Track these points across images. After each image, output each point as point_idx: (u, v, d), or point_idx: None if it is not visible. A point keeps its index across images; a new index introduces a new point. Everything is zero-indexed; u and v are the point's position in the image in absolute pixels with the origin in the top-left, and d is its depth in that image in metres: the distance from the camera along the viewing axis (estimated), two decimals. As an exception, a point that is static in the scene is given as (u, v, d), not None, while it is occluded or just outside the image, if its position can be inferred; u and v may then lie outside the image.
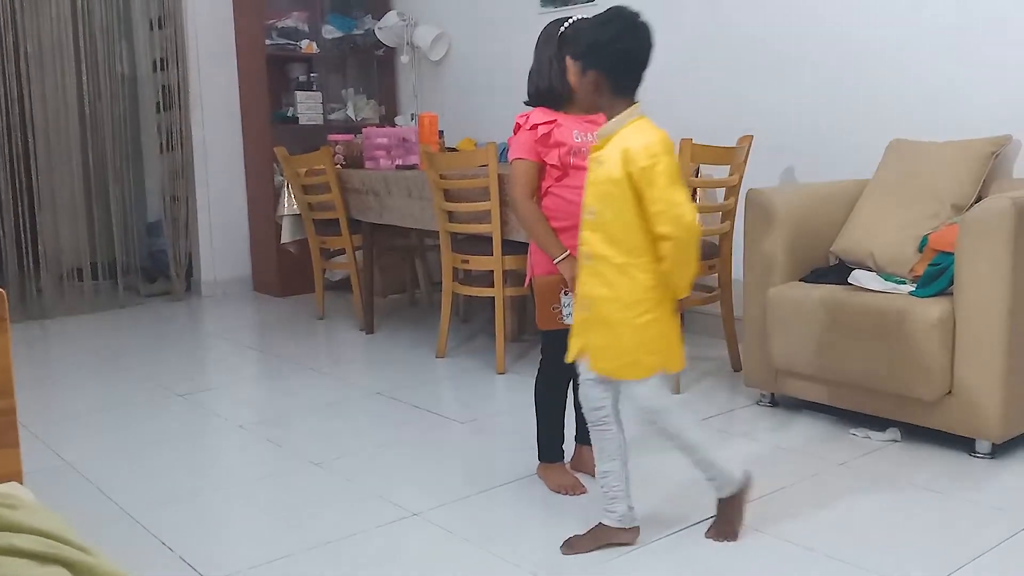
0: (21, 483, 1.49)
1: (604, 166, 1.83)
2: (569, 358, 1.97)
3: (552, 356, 2.28)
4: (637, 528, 1.99)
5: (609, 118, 1.87)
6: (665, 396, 1.93)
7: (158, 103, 5.13)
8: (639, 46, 1.84)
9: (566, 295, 2.12)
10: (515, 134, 2.26)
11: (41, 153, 4.76)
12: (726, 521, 2.00)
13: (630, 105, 1.86)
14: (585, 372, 1.95)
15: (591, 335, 1.91)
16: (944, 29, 3.06)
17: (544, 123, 2.17)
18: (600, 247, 1.85)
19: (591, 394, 1.96)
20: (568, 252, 2.10)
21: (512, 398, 3.13)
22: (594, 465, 2.38)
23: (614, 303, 1.85)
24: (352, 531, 2.10)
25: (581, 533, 1.99)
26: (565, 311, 2.14)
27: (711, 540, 1.99)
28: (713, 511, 2.03)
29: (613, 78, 1.84)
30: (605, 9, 1.88)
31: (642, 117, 1.85)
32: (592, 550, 1.96)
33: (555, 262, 2.12)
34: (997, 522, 2.06)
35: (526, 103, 2.28)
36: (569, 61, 1.92)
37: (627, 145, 1.79)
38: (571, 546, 1.97)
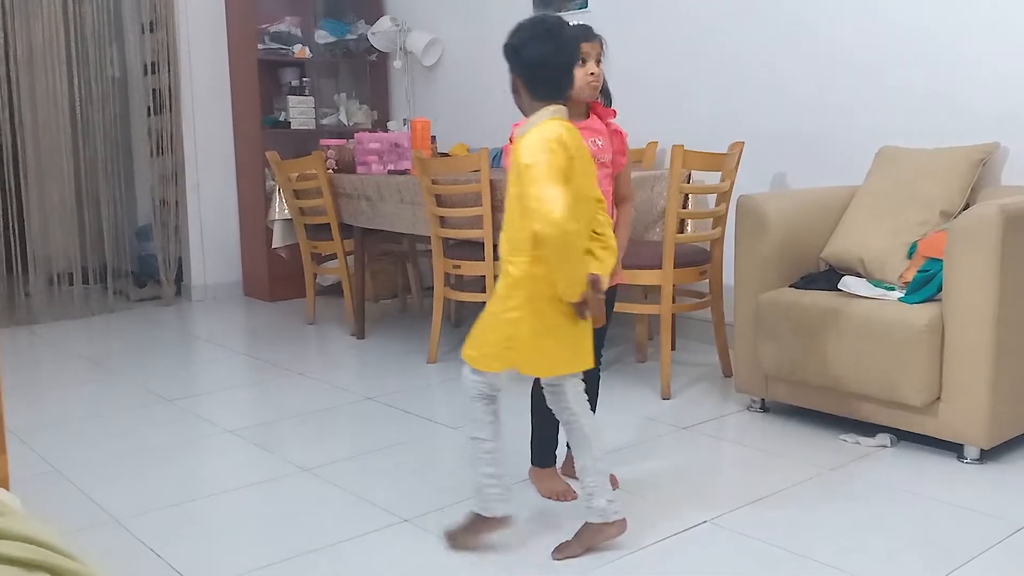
0: (8, 489, 1.48)
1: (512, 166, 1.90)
2: None
3: None
4: (623, 520, 1.98)
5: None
6: (482, 407, 1.98)
7: (149, 107, 5.11)
8: (548, 53, 1.88)
9: None
10: (511, 142, 2.26)
11: (31, 156, 4.73)
12: (463, 528, 2.01)
13: (548, 107, 1.89)
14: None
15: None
16: (933, 37, 3.08)
17: None
18: (502, 245, 1.94)
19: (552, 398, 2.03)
20: None
21: (503, 403, 3.12)
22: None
23: (494, 296, 1.94)
24: (342, 537, 2.09)
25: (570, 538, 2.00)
26: None
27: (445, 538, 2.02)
28: (703, 522, 2.03)
29: (526, 82, 1.91)
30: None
31: (555, 119, 1.88)
32: (582, 553, 1.96)
33: None
34: (986, 528, 2.06)
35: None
36: None
37: (519, 144, 1.85)
38: (561, 551, 1.97)
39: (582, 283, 1.85)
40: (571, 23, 2.16)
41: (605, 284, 1.93)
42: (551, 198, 1.77)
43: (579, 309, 1.88)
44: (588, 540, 1.97)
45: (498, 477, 1.99)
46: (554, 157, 1.80)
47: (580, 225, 1.82)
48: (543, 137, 1.83)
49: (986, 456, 2.44)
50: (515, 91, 1.93)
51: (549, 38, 1.88)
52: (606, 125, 2.22)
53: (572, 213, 1.78)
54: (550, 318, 1.89)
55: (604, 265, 1.92)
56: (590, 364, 1.98)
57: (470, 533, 2.01)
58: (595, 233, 1.94)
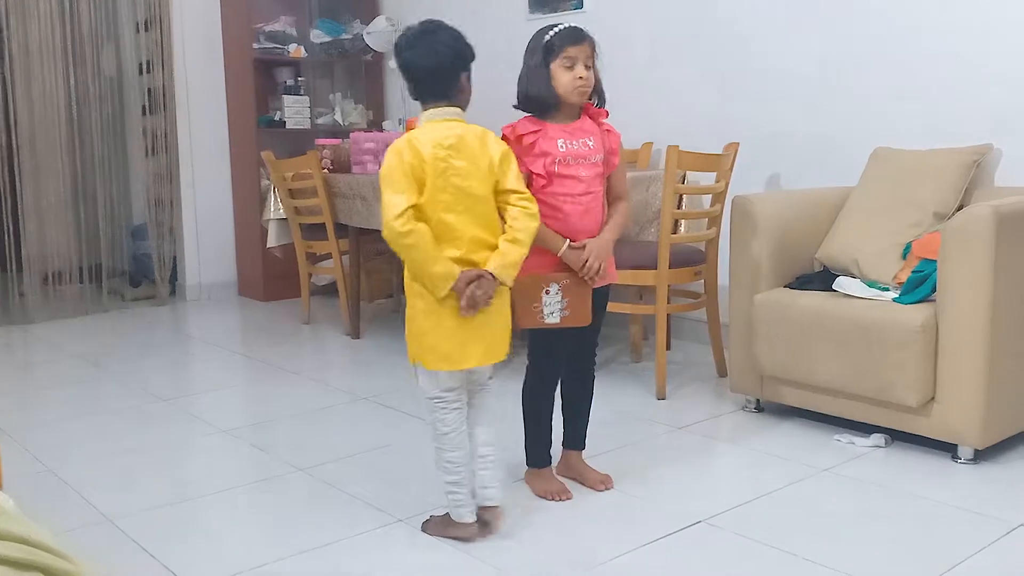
0: (1, 489, 1.48)
1: None
2: None
3: (537, 358, 2.28)
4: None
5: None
6: (437, 390, 2.03)
7: (144, 106, 5.10)
8: (416, 56, 1.96)
9: (547, 294, 2.13)
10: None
11: (26, 155, 4.72)
12: (437, 521, 2.09)
13: (435, 108, 1.98)
14: None
15: None
16: (927, 38, 3.09)
17: (529, 133, 2.18)
18: None
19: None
20: (568, 242, 2.13)
21: (499, 404, 3.12)
22: (581, 470, 2.39)
23: None
24: (337, 537, 2.09)
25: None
26: (547, 310, 2.14)
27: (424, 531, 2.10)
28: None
29: (408, 84, 2.00)
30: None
31: (434, 121, 1.96)
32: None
33: (560, 254, 2.13)
34: (979, 528, 2.07)
35: (515, 107, 2.29)
36: None
37: None
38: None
39: (442, 278, 1.89)
40: (562, 25, 2.16)
41: (506, 277, 1.95)
42: (387, 203, 1.88)
43: (463, 301, 1.90)
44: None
45: (459, 485, 2.02)
46: (399, 161, 1.90)
47: (417, 226, 1.87)
48: (395, 144, 1.93)
49: (980, 456, 2.45)
50: (410, 92, 2.01)
51: (418, 42, 1.95)
52: (598, 125, 2.22)
53: (415, 215, 1.86)
54: (432, 313, 1.94)
55: (504, 257, 1.94)
56: (497, 357, 2.01)
57: (440, 528, 2.07)
58: (509, 226, 1.97)
